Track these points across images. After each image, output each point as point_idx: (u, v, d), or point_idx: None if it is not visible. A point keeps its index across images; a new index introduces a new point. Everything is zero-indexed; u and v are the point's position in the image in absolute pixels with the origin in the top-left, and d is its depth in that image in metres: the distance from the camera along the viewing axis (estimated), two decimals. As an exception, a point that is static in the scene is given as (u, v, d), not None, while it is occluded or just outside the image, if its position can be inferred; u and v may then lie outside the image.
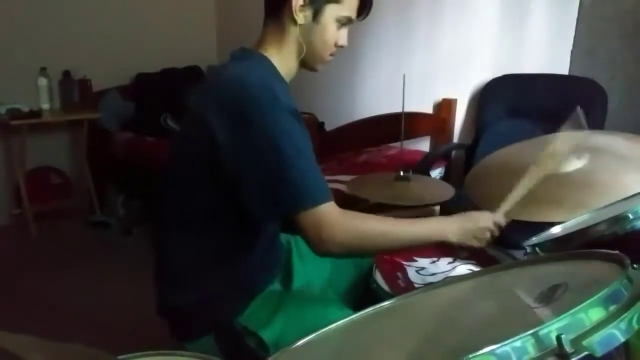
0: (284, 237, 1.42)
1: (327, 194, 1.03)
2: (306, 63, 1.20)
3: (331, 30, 1.15)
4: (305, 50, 1.16)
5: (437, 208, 1.67)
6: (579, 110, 1.26)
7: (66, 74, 3.34)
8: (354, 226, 1.04)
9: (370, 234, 1.05)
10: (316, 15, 1.14)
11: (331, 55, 1.20)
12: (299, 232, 1.04)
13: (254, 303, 1.18)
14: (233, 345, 1.17)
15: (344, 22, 1.17)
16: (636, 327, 0.56)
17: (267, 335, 1.13)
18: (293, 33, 1.15)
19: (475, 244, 1.11)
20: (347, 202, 1.26)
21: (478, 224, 1.11)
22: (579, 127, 1.25)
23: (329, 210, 1.02)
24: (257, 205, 1.06)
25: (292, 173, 1.01)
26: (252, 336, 1.15)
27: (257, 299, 1.19)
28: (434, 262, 1.37)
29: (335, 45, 1.18)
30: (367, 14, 1.20)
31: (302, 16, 1.13)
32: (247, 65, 1.13)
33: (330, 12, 1.14)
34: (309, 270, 1.36)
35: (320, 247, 1.03)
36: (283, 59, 1.17)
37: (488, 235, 1.12)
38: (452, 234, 1.08)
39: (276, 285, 1.29)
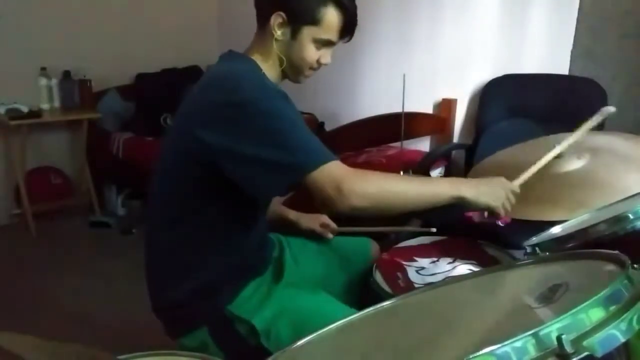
0: (276, 237, 1.44)
1: (332, 155, 1.03)
2: (286, 75, 1.24)
3: (309, 50, 1.18)
4: (285, 63, 1.19)
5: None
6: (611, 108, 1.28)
7: (66, 74, 3.33)
8: (372, 178, 1.04)
9: (387, 186, 1.05)
10: (294, 34, 1.16)
11: (312, 69, 1.22)
12: (316, 194, 1.01)
13: (244, 292, 1.20)
14: (226, 335, 1.18)
15: (323, 43, 1.18)
16: (636, 327, 0.56)
17: (258, 321, 1.14)
18: (274, 46, 1.18)
19: (491, 201, 1.10)
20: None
21: (493, 183, 1.12)
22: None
23: (341, 166, 1.02)
24: (263, 183, 1.05)
25: (293, 143, 1.02)
26: (243, 323, 1.16)
27: (248, 288, 1.21)
28: (434, 262, 1.37)
29: (317, 62, 1.20)
30: (350, 38, 1.22)
31: (280, 33, 1.16)
32: (233, 64, 1.17)
33: (308, 33, 1.16)
34: (302, 270, 1.37)
35: (343, 201, 0.99)
36: (267, 66, 1.20)
37: (503, 194, 1.11)
38: (467, 190, 1.08)
39: (267, 277, 1.30)
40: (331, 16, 1.15)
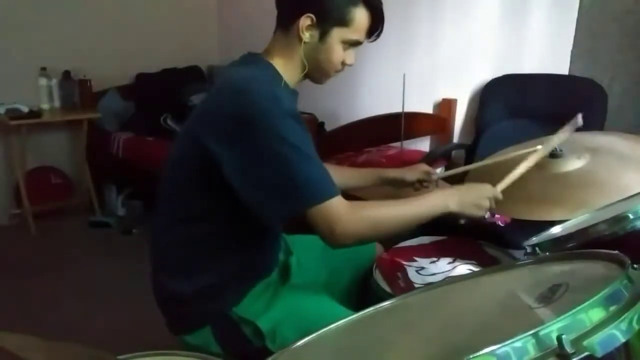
0: (282, 239, 1.42)
1: (334, 189, 1.05)
2: (310, 77, 1.22)
3: (337, 51, 1.17)
4: (308, 67, 1.18)
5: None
6: (579, 116, 1.30)
7: (66, 74, 3.33)
8: (363, 216, 1.06)
9: (380, 220, 1.08)
10: (322, 36, 1.15)
11: (336, 71, 1.21)
12: (311, 227, 1.05)
13: (250, 294, 1.20)
14: (230, 336, 1.18)
15: (351, 44, 1.18)
16: (636, 327, 0.56)
17: (263, 323, 1.14)
18: (298, 49, 1.16)
19: (475, 211, 1.15)
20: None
21: (477, 192, 1.16)
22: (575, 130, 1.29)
23: (338, 204, 1.04)
24: (263, 207, 1.07)
25: (298, 174, 1.02)
26: (248, 325, 1.16)
27: (254, 291, 1.21)
28: (434, 262, 1.37)
29: (343, 64, 1.20)
30: (377, 37, 1.21)
31: (308, 35, 1.14)
32: (250, 72, 1.14)
33: (337, 35, 1.15)
34: (306, 273, 1.36)
35: (335, 240, 1.04)
36: (288, 70, 1.19)
37: (487, 203, 1.16)
38: (453, 203, 1.12)
39: (273, 279, 1.30)
40: (361, 16, 1.14)
